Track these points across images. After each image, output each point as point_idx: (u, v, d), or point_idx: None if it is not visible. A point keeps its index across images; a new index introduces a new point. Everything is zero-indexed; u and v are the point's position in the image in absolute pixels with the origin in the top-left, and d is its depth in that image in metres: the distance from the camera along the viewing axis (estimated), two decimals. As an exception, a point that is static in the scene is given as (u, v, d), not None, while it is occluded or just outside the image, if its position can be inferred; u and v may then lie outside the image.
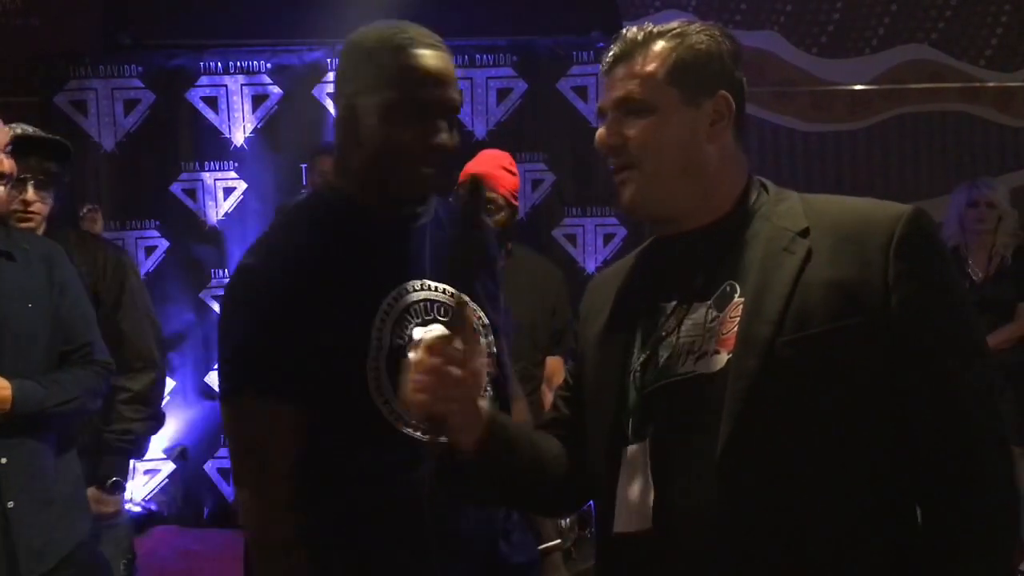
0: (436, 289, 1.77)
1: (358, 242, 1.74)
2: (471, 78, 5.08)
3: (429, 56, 1.70)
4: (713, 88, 1.46)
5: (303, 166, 5.01)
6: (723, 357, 1.38)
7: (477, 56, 5.12)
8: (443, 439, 1.43)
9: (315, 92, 5.15)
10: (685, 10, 5.65)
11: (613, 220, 5.16)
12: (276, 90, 5.16)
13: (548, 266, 3.68)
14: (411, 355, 1.41)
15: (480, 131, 5.14)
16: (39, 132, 2.93)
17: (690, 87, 1.45)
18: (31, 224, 2.87)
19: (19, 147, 2.69)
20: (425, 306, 1.75)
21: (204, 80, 5.16)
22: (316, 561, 1.69)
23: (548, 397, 3.53)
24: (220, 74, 5.16)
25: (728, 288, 1.42)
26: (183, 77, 5.15)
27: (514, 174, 3.42)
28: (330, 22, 5.10)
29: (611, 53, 1.49)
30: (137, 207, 5.18)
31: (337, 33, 5.15)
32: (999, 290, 4.60)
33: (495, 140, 4.90)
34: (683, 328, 1.44)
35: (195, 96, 5.15)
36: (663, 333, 1.46)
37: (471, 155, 3.51)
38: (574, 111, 5.14)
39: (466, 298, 1.61)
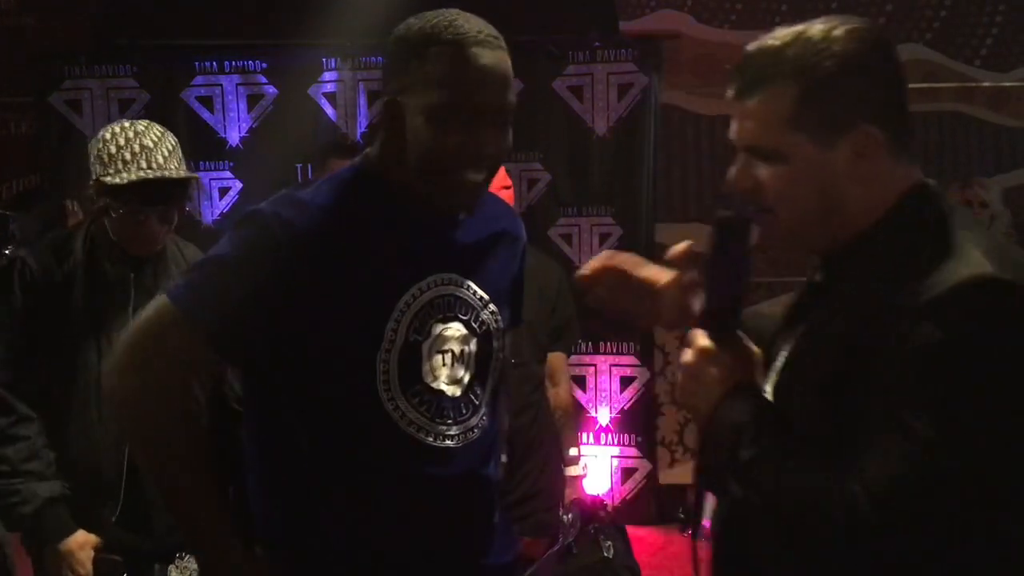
0: (462, 285, 1.71)
1: (391, 228, 1.66)
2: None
3: (481, 55, 1.57)
4: (850, 122, 1.29)
5: (298, 166, 4.99)
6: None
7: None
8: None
9: (310, 92, 5.13)
10: (680, 10, 5.66)
11: (608, 219, 5.14)
12: (271, 90, 5.14)
13: (548, 263, 3.65)
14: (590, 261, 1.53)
15: (476, 130, 5.11)
16: (168, 172, 2.65)
17: (822, 129, 1.29)
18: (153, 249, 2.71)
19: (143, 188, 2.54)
20: (448, 302, 1.69)
21: (199, 80, 5.14)
22: (309, 535, 1.68)
23: (551, 393, 3.53)
24: (215, 74, 5.13)
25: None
26: (178, 77, 5.12)
27: (508, 187, 3.38)
28: (326, 22, 5.10)
29: (733, 82, 1.36)
30: (132, 207, 5.15)
31: (332, 33, 5.18)
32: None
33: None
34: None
35: (190, 96, 5.13)
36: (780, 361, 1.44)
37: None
38: (570, 111, 5.13)
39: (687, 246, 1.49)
